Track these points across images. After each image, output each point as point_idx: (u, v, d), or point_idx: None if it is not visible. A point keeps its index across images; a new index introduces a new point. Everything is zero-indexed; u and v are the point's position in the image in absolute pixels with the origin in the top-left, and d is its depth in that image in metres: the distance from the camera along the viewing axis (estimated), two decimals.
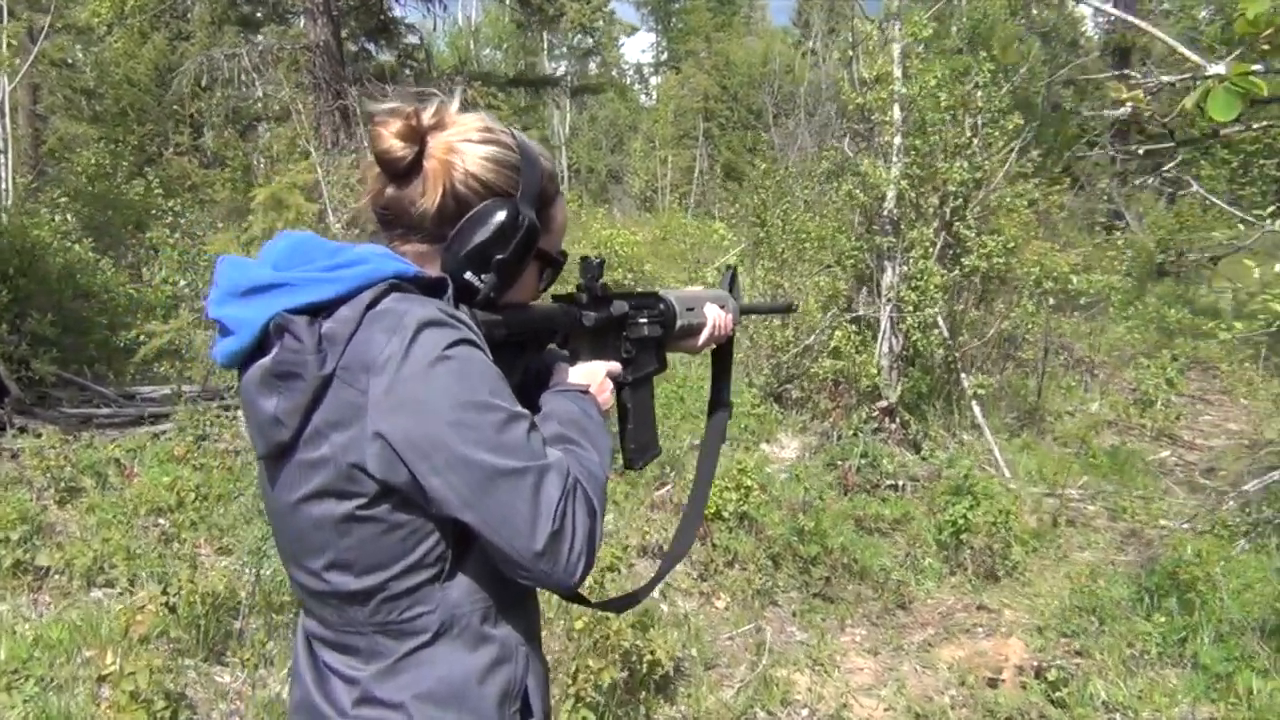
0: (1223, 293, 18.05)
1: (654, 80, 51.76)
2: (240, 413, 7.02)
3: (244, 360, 1.37)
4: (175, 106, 18.62)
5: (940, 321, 7.81)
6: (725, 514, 5.58)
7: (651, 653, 4.06)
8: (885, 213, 8.03)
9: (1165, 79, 1.75)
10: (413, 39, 15.65)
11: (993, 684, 4.54)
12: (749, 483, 5.72)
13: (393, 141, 1.40)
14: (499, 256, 1.45)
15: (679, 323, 1.96)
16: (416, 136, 1.42)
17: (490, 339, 1.43)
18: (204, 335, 7.76)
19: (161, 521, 5.35)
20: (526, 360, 1.66)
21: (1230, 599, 4.72)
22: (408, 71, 14.40)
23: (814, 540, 5.55)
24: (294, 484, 1.35)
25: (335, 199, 10.08)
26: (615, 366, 1.76)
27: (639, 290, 1.92)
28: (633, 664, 4.00)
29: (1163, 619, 4.68)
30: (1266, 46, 1.55)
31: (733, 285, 2.22)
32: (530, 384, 1.63)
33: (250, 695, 3.81)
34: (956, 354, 8.06)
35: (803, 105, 30.65)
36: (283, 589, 4.13)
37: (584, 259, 1.74)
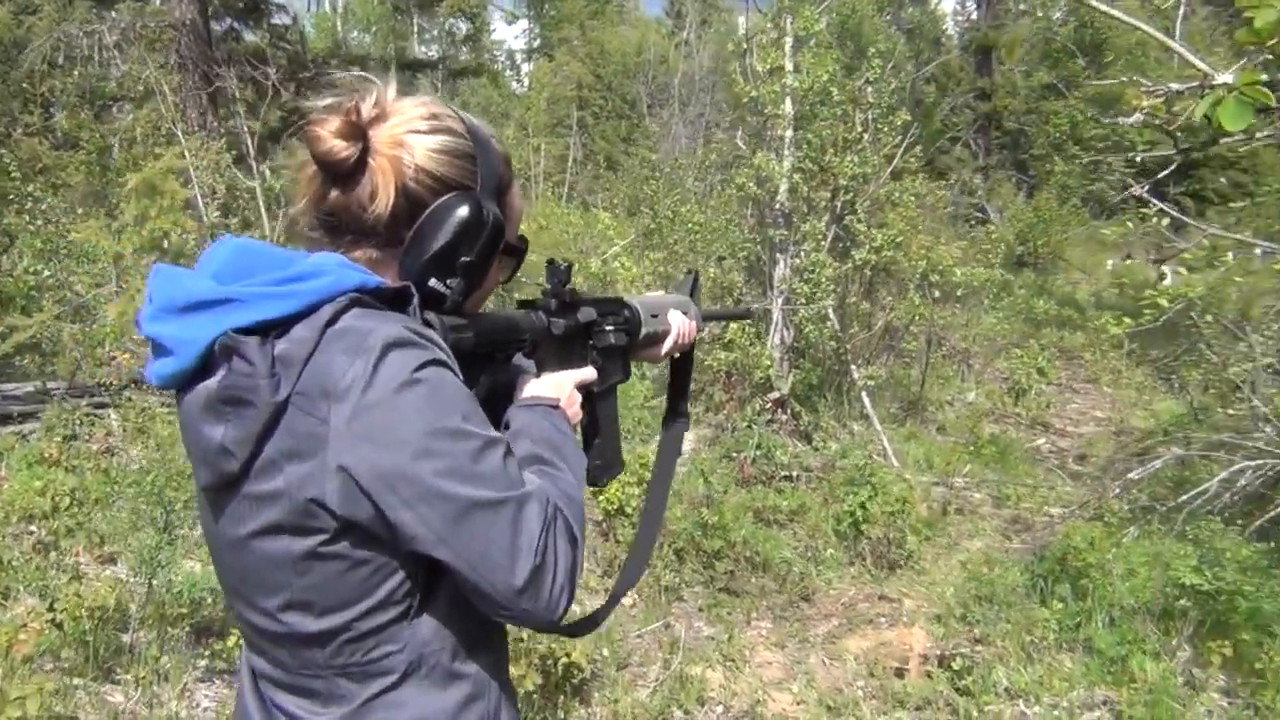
0: (1078, 283, 18.90)
1: (526, 67, 51.37)
2: (113, 412, 6.66)
3: (184, 381, 1.23)
4: (24, 84, 17.59)
5: (831, 314, 7.92)
6: (628, 510, 5.53)
7: (568, 655, 3.99)
8: (777, 206, 8.09)
9: (1176, 87, 1.77)
10: (284, 19, 15.11)
11: (899, 674, 4.62)
12: (650, 476, 5.68)
13: (334, 142, 1.26)
14: (464, 259, 1.32)
15: (644, 330, 1.87)
16: (358, 133, 1.28)
17: (458, 349, 1.31)
18: (70, 329, 7.34)
19: (35, 529, 5.02)
20: (495, 372, 1.56)
21: (1121, 584, 4.89)
22: (280, 53, 13.92)
23: (717, 534, 5.56)
24: (243, 518, 1.22)
25: (206, 185, 9.67)
26: (584, 376, 1.66)
27: (604, 296, 1.84)
28: (549, 668, 3.92)
29: (1059, 605, 4.83)
30: (1270, 56, 1.57)
31: (694, 291, 2.15)
32: (497, 396, 1.53)
33: (146, 715, 3.60)
34: (846, 346, 8.19)
35: (677, 96, 30.83)
36: (179, 600, 3.91)
37: (550, 262, 1.64)
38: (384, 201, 1.29)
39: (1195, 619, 4.54)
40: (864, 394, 7.99)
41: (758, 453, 7.06)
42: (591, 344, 1.73)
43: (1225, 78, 1.55)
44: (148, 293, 1.26)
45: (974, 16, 31.79)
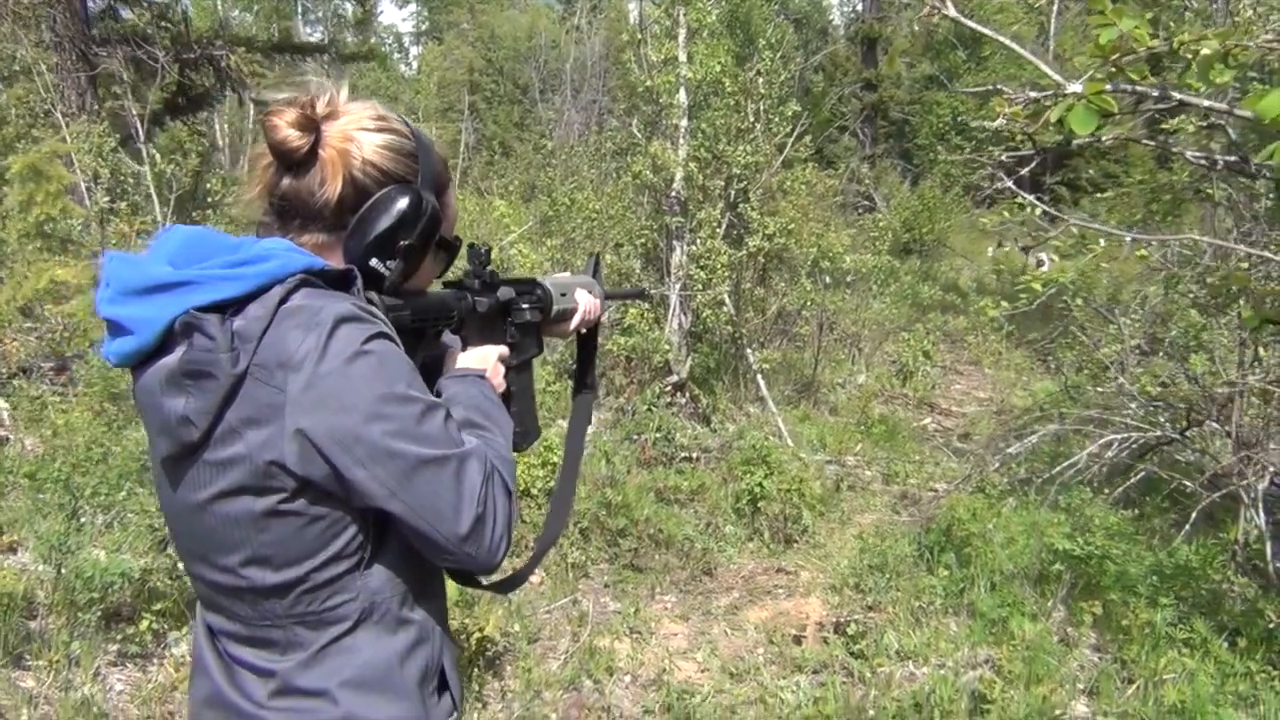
0: (960, 270, 19.58)
1: (414, 50, 50.69)
2: (3, 400, 6.51)
3: (142, 359, 1.35)
4: None
5: (727, 299, 8.14)
6: (534, 490, 5.66)
7: (481, 630, 4.11)
8: (673, 194, 8.27)
9: (1033, 95, 1.97)
10: None
11: (798, 641, 4.85)
12: (555, 459, 5.82)
13: (289, 131, 1.39)
14: (404, 242, 1.46)
15: (555, 308, 2.03)
16: (312, 126, 1.41)
17: (396, 325, 1.46)
18: None
19: None
20: (426, 346, 1.69)
21: (1001, 551, 5.21)
22: (163, 33, 13.55)
23: (621, 513, 5.72)
24: (202, 483, 1.34)
25: (89, 169, 9.41)
26: (505, 350, 1.81)
27: (519, 277, 1.99)
28: (462, 641, 4.04)
29: (945, 573, 5.12)
30: (1114, 69, 1.78)
31: (596, 272, 2.31)
32: (428, 369, 1.66)
33: (62, 698, 3.60)
34: (742, 330, 8.42)
35: (569, 82, 30.81)
36: (89, 586, 3.90)
37: (472, 246, 1.79)
38: (332, 189, 1.43)
39: (1068, 582, 4.88)
40: (759, 377, 8.24)
41: (658, 435, 7.24)
42: (510, 320, 1.89)
43: (1075, 87, 1.76)
44: (103, 277, 1.37)
45: (859, 8, 32.50)
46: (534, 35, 38.68)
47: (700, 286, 7.91)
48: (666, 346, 7.89)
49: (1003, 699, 4.04)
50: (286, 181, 1.44)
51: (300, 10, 45.31)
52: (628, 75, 8.69)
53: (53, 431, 5.66)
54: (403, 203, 1.45)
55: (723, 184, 8.21)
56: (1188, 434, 5.96)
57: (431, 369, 1.68)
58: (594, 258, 2.33)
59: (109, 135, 10.10)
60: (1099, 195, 14.33)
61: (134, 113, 8.99)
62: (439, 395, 1.59)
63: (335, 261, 1.44)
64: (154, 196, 8.19)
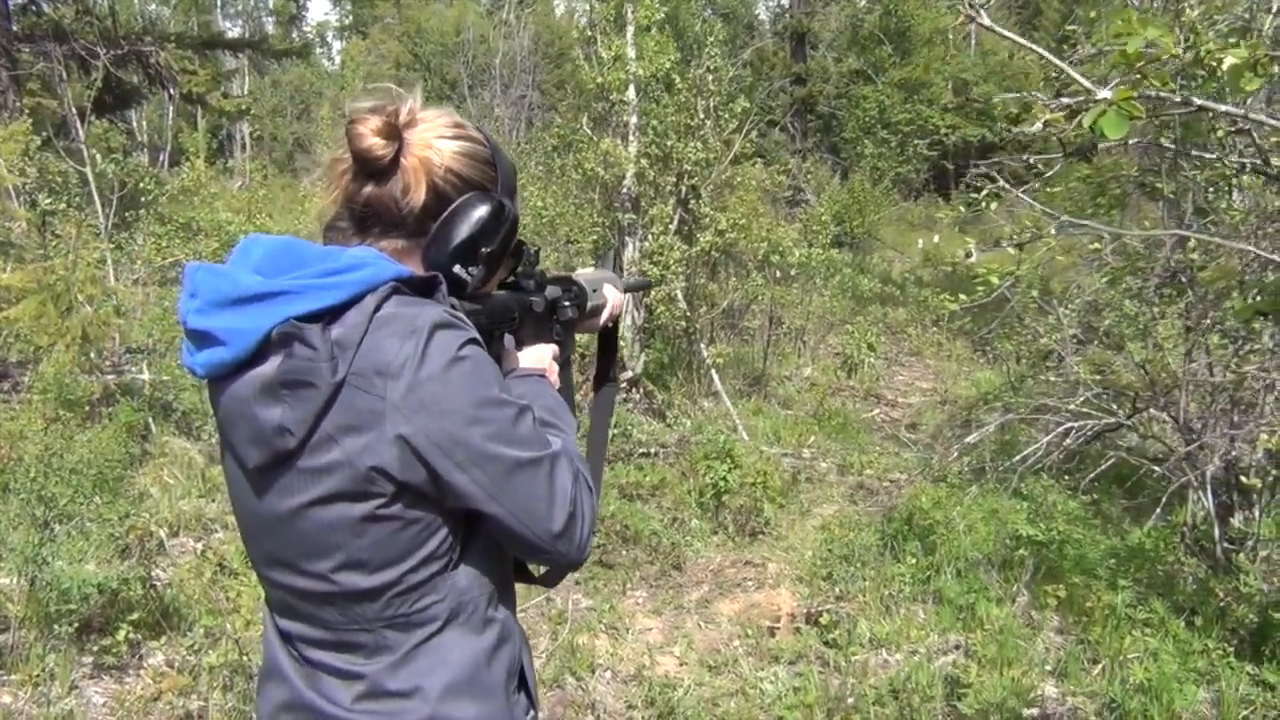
0: (891, 262, 19.90)
1: (337, 45, 49.99)
2: None
3: (231, 371, 1.35)
4: None
5: (680, 295, 8.19)
6: None
7: None
8: (625, 190, 8.30)
9: (1065, 101, 2.04)
10: None
11: (771, 632, 4.92)
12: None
13: (374, 140, 1.41)
14: (486, 249, 1.50)
15: (589, 304, 2.06)
16: (395, 134, 1.43)
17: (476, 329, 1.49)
18: None
19: None
20: (495, 348, 1.72)
21: (964, 539, 5.34)
22: (89, 28, 13.21)
23: None
24: (295, 490, 1.35)
25: (15, 168, 9.17)
26: (556, 348, 1.84)
27: (558, 274, 2.01)
28: None
29: (912, 561, 5.23)
30: (1139, 76, 1.86)
31: (616, 265, 2.34)
32: None
33: (42, 713, 3.53)
34: (695, 326, 8.49)
35: (499, 77, 30.64)
36: (64, 598, 3.82)
37: (520, 245, 1.82)
38: (416, 196, 1.45)
39: (1031, 567, 5.01)
40: (713, 372, 8.31)
41: (615, 431, 7.27)
42: (555, 319, 1.91)
43: (1105, 94, 1.84)
44: (189, 288, 1.38)
45: (784, 3, 32.76)
46: (461, 30, 38.37)
47: (655, 281, 7.94)
48: (621, 343, 7.91)
49: (977, 683, 4.15)
50: (370, 189, 1.45)
51: (220, 3, 44.45)
52: (577, 72, 8.69)
53: (10, 443, 5.51)
54: (484, 210, 1.47)
55: (674, 180, 8.26)
56: (1133, 420, 6.16)
57: None
58: (612, 251, 2.37)
59: (31, 135, 9.84)
60: (1051, 189, 14.69)
61: (73, 110, 8.71)
62: None
63: (413, 267, 1.45)
64: (95, 196, 7.99)
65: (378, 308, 1.32)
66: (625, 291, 2.39)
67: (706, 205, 8.30)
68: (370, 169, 1.44)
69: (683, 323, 8.43)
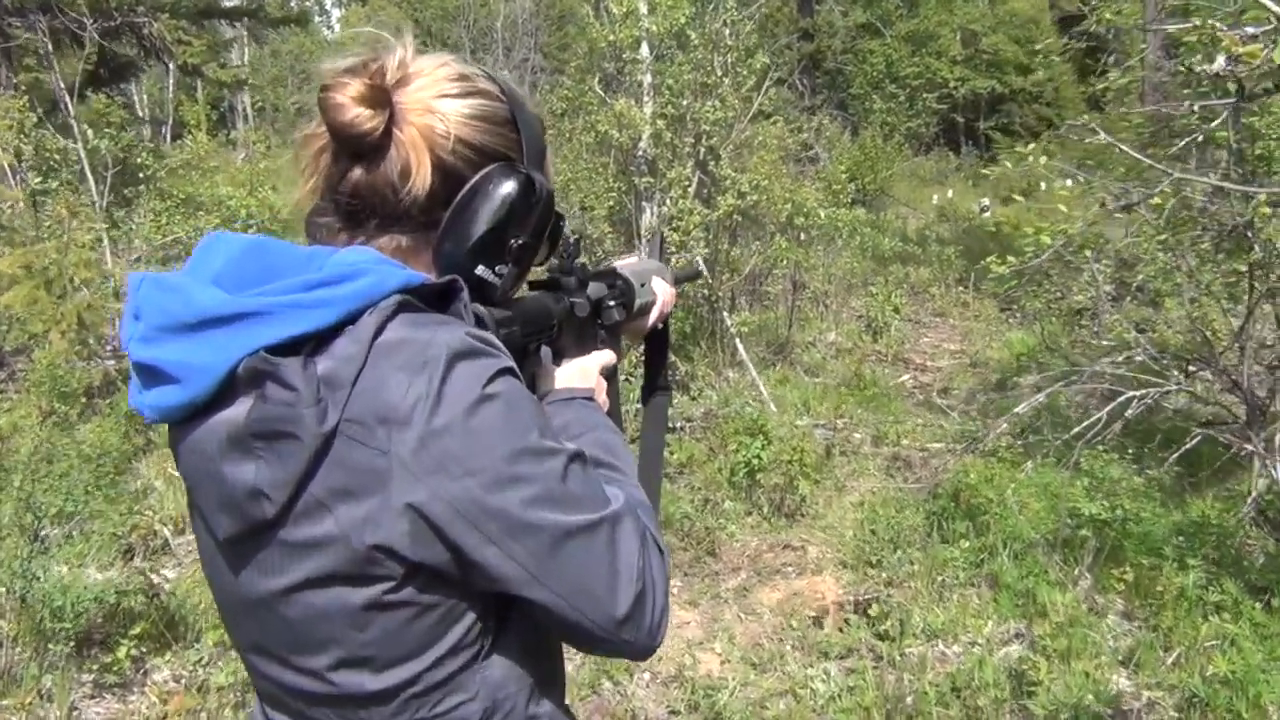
0: (905, 218, 19.49)
1: (336, 13, 49.34)
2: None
3: (190, 415, 1.01)
4: None
5: (701, 261, 7.84)
6: None
7: None
8: (640, 153, 7.93)
9: (1250, 31, 1.71)
10: None
11: (818, 623, 4.62)
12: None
13: (357, 110, 1.06)
14: (517, 240, 1.15)
15: (637, 302, 1.71)
16: (384, 99, 1.08)
17: (507, 345, 1.13)
18: None
19: None
20: (530, 366, 1.38)
21: (1018, 517, 5.01)
22: (81, 1, 12.79)
23: None
24: (278, 569, 1.01)
25: (10, 144, 8.83)
26: (606, 359, 1.50)
27: (600, 269, 1.66)
28: None
29: (966, 543, 4.90)
30: None
31: (663, 253, 1.99)
32: None
33: None
34: (717, 293, 8.14)
35: (500, 41, 30.17)
36: (59, 615, 3.53)
37: (558, 228, 1.46)
38: (420, 180, 1.09)
39: (1093, 547, 4.68)
40: (737, 340, 7.98)
41: (638, 405, 6.95)
42: (599, 322, 1.57)
43: None
44: (132, 308, 1.03)
45: None
46: None
47: (674, 249, 7.59)
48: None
49: (1047, 679, 3.83)
50: (357, 173, 1.10)
51: None
52: (586, 30, 8.29)
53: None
54: (509, 187, 1.12)
55: (692, 141, 7.88)
56: (1185, 382, 5.81)
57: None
58: (658, 237, 2.01)
59: (27, 111, 9.50)
60: (1036, 138, 14.20)
61: (61, 86, 8.35)
62: None
63: (421, 268, 1.11)
64: (88, 174, 7.64)
65: (379, 331, 0.98)
66: (675, 284, 2.02)
67: (726, 167, 7.93)
68: (355, 148, 1.08)
69: (704, 290, 8.08)
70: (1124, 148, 3.74)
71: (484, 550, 0.98)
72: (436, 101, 1.11)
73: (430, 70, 1.14)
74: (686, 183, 7.69)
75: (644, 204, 7.96)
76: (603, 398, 1.43)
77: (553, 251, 1.38)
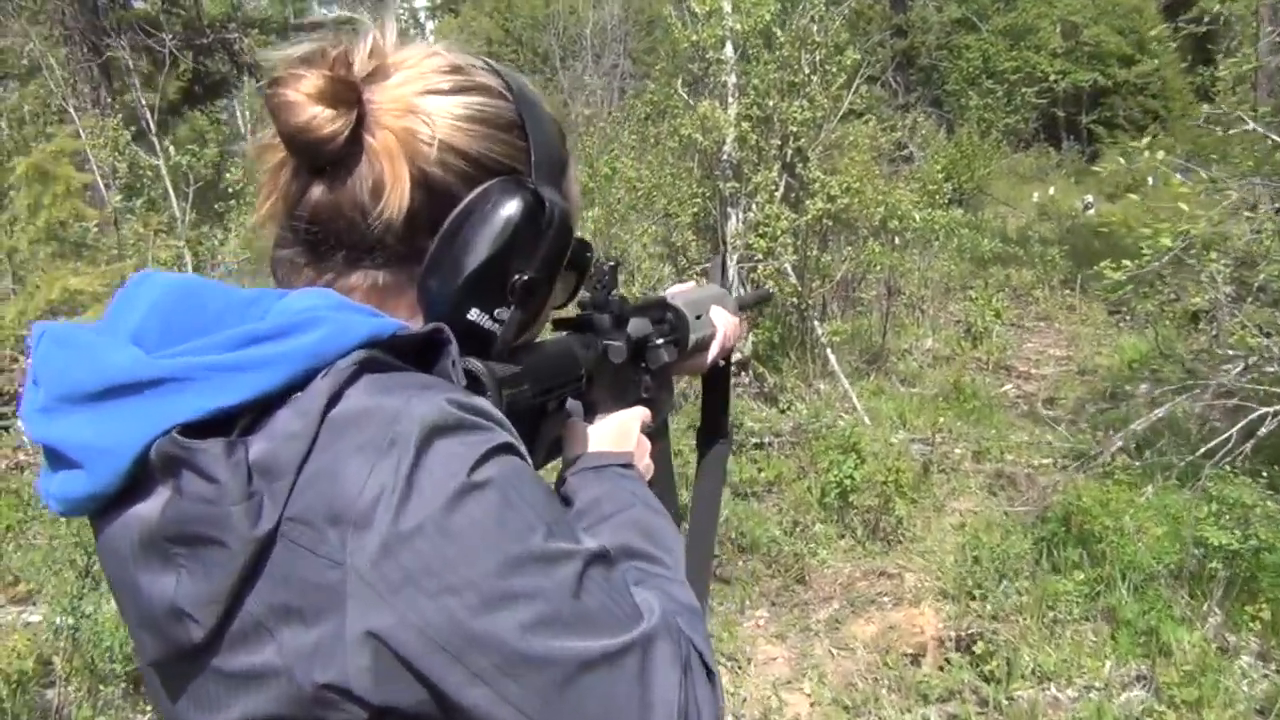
0: (1004, 218, 18.83)
1: (430, 25, 50.01)
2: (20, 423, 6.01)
3: (100, 508, 0.76)
4: None
5: (790, 268, 7.52)
6: None
7: None
8: (725, 156, 7.64)
9: None
10: None
11: (915, 661, 4.28)
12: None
13: (315, 109, 0.80)
14: (521, 275, 0.88)
15: (692, 337, 1.41)
16: (350, 95, 0.82)
17: (513, 409, 0.86)
18: None
19: None
20: (550, 429, 1.10)
21: (1137, 545, 4.59)
22: (174, 19, 13.04)
23: None
24: (213, 702, 0.75)
25: (106, 164, 8.91)
26: (647, 414, 1.20)
27: (645, 300, 1.37)
28: None
29: (1080, 574, 4.50)
30: None
31: (725, 277, 1.69)
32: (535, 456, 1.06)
33: None
34: (807, 301, 7.81)
35: (590, 47, 30.12)
36: (118, 654, 3.38)
37: (585, 256, 1.17)
38: (396, 198, 0.83)
39: (1224, 580, 4.25)
40: (828, 350, 7.63)
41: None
42: (644, 365, 1.28)
43: None
44: (31, 373, 0.78)
45: None
46: (551, 2, 37.96)
47: (761, 256, 7.27)
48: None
49: None
50: (318, 191, 0.85)
51: None
52: (669, 32, 8.03)
53: None
54: (511, 208, 0.85)
55: (778, 143, 7.57)
56: None
57: (537, 451, 1.08)
58: (719, 259, 1.71)
59: (122, 129, 9.61)
60: (1142, 131, 13.51)
61: (143, 103, 8.40)
62: (566, 502, 1.01)
63: (404, 313, 0.86)
64: (170, 191, 7.64)
65: (333, 400, 0.71)
66: (739, 311, 1.70)
67: (815, 169, 7.59)
68: (313, 158, 0.83)
69: (794, 298, 7.75)
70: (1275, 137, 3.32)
71: (470, 691, 0.70)
72: (420, 99, 0.85)
73: (415, 61, 0.88)
74: (773, 187, 7.39)
75: (729, 210, 7.66)
76: (646, 462, 1.14)
77: (578, 287, 1.11)
